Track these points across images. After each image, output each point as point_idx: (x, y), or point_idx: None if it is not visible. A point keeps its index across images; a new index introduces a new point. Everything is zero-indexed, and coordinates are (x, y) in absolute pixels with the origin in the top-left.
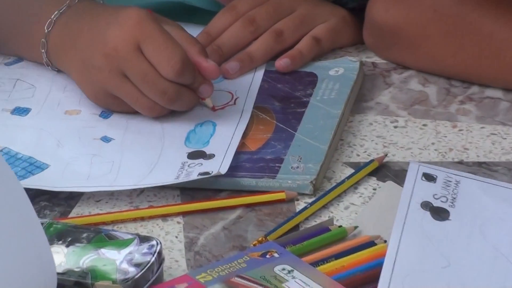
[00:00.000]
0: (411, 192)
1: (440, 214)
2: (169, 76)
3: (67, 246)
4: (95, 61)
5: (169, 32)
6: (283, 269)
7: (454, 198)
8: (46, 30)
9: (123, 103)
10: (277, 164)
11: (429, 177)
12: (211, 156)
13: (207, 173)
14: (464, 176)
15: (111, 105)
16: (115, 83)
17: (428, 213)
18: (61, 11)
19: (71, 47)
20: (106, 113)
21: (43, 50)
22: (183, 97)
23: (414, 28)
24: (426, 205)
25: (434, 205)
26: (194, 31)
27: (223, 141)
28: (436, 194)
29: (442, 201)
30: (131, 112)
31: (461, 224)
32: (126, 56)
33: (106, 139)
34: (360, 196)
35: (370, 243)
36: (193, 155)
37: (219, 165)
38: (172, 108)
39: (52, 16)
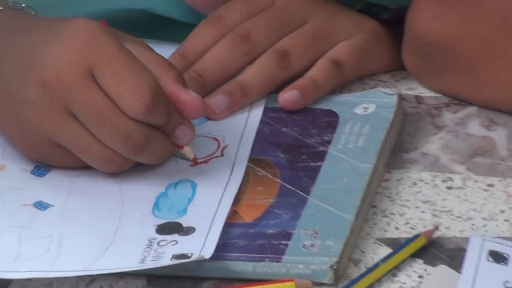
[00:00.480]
0: (473, 278)
1: None
2: (134, 114)
3: None
4: (27, 94)
5: (131, 52)
6: None
7: None
8: None
9: (67, 154)
10: (283, 242)
11: (499, 257)
12: (190, 230)
13: (184, 256)
14: None
15: (49, 157)
16: (56, 125)
17: None
18: None
19: None
20: (41, 169)
21: None
22: (153, 144)
23: (475, 44)
24: None
25: None
26: (165, 50)
27: (207, 209)
28: (508, 282)
29: None
30: (76, 167)
31: None
32: (73, 86)
33: (41, 206)
34: (401, 287)
35: None
36: (165, 229)
37: (201, 244)
38: (137, 159)
39: None
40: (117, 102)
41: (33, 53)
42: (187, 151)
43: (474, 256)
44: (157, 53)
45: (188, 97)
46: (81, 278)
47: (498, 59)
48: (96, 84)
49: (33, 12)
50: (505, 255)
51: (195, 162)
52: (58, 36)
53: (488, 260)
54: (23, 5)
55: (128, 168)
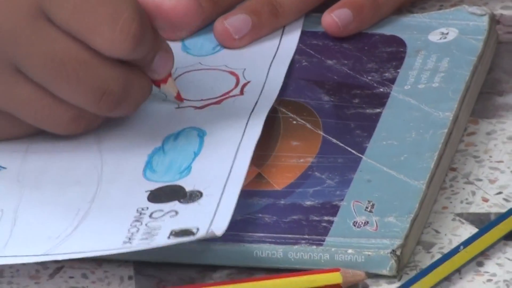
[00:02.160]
0: None
1: None
2: (117, 52)
3: None
4: None
5: None
6: None
7: None
8: None
9: (12, 123)
10: (326, 218)
11: None
12: (195, 195)
13: (187, 232)
14: None
15: None
16: (1, 88)
17: None
18: None
19: None
20: None
21: None
22: (132, 91)
23: None
24: None
25: None
26: None
27: (218, 168)
28: None
29: None
30: (24, 136)
31: None
32: (17, 34)
33: None
34: (490, 280)
35: None
36: (160, 196)
37: (210, 215)
38: (111, 115)
39: None
40: (86, 41)
41: None
42: (170, 86)
43: None
44: None
45: (174, 2)
46: (43, 265)
47: None
48: (50, 24)
49: None
50: None
51: (179, 99)
52: None
53: None
54: None
55: (97, 126)
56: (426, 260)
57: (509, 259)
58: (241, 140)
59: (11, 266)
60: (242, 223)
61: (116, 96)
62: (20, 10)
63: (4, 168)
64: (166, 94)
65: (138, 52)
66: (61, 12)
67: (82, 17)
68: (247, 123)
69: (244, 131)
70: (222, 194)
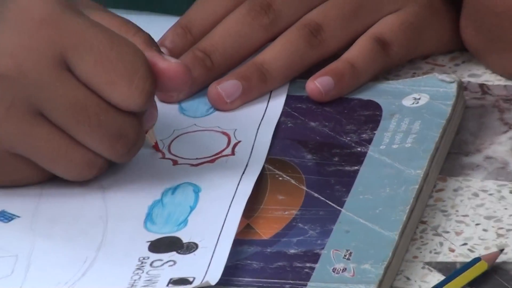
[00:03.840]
0: None
1: None
2: (133, 105)
3: None
4: None
5: (105, 26)
6: None
7: None
8: None
9: (29, 168)
10: (308, 264)
11: None
12: (192, 247)
13: (184, 280)
14: None
15: (6, 174)
16: (20, 128)
17: None
18: None
19: None
20: None
21: None
22: (141, 138)
23: None
24: None
25: None
26: (163, 25)
27: (213, 221)
28: None
29: None
30: (35, 182)
31: None
32: (42, 81)
33: (4, 217)
34: None
35: None
36: (160, 246)
37: (205, 265)
38: (122, 160)
39: None
40: (105, 94)
41: None
42: (151, 135)
43: None
44: (117, 15)
45: (168, 65)
46: None
47: None
48: (71, 74)
49: None
50: None
51: (157, 149)
52: (5, 20)
53: None
54: None
55: (104, 172)
56: None
57: None
58: (233, 198)
59: None
60: (232, 269)
61: (131, 140)
62: (46, 59)
63: (18, 216)
64: (147, 141)
65: (147, 106)
66: (82, 65)
67: (101, 72)
68: (239, 183)
69: (236, 190)
70: (215, 246)
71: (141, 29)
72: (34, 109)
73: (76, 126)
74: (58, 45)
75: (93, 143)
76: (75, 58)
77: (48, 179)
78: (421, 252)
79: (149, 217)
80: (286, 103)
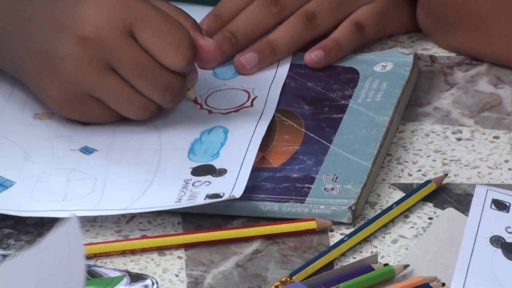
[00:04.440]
0: (478, 223)
1: None
2: (177, 67)
3: None
4: (66, 49)
5: (162, 9)
6: None
7: None
8: None
9: (100, 107)
10: (306, 185)
11: (501, 205)
12: (222, 171)
13: (216, 195)
14: None
15: (82, 111)
16: (97, 78)
17: (499, 250)
18: None
19: (23, 38)
20: None
21: None
22: (183, 91)
23: (486, 2)
24: (497, 241)
25: (507, 240)
26: (198, 13)
27: (237, 154)
28: (509, 227)
29: None
30: (106, 121)
31: None
32: (115, 45)
33: (87, 150)
34: (412, 227)
35: (425, 286)
36: (199, 171)
37: (232, 185)
38: (170, 106)
39: None
40: (158, 57)
41: (67, 13)
42: (192, 91)
43: (479, 203)
44: (172, 4)
45: (206, 43)
46: (123, 215)
47: (508, 16)
48: (135, 41)
49: None
50: (507, 204)
51: (196, 102)
52: (90, 1)
53: (492, 208)
54: None
55: (156, 114)
56: (371, 214)
57: (425, 213)
58: (251, 137)
59: (101, 216)
60: (252, 188)
61: (176, 91)
62: (118, 29)
63: (97, 150)
64: (189, 96)
65: (189, 69)
66: (143, 35)
67: (156, 41)
68: (256, 126)
69: (254, 130)
70: (239, 171)
71: (190, 16)
72: (107, 64)
73: (137, 78)
74: (127, 20)
75: (148, 92)
76: (138, 29)
77: (118, 121)
78: (388, 176)
79: (191, 150)
80: (290, 69)
